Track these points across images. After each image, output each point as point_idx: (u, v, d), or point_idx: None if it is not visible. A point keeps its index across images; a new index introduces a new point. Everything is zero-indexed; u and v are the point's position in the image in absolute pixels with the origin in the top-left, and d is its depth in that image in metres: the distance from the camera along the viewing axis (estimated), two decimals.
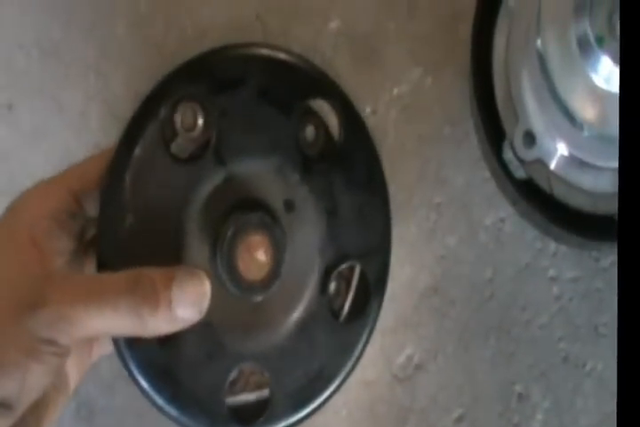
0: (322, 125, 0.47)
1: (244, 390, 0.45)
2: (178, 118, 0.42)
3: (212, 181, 0.43)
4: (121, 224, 0.40)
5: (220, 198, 0.43)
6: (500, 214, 0.54)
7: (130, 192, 0.41)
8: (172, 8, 0.54)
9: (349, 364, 0.48)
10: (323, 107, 0.46)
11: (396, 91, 0.54)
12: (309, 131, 0.46)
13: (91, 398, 0.53)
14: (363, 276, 0.48)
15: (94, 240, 0.41)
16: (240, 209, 0.43)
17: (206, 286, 0.39)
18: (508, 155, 0.48)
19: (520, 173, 0.48)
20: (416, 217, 0.54)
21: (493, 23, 0.48)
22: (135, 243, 0.41)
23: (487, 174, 0.53)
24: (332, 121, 0.47)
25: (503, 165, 0.49)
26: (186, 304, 0.38)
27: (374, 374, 0.54)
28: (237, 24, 0.54)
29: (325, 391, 0.47)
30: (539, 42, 0.41)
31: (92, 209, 0.41)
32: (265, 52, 0.45)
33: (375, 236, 0.48)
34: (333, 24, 0.54)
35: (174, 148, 0.42)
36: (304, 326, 0.46)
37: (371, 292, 0.48)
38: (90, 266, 0.41)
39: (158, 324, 0.37)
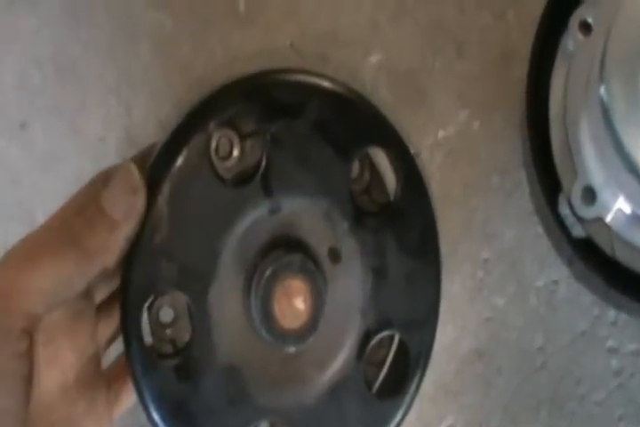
0: (377, 177, 0.45)
1: None
2: (227, 135, 0.41)
3: (255, 211, 0.42)
4: (152, 236, 0.39)
5: (261, 231, 0.42)
6: (554, 276, 0.52)
7: (166, 204, 0.39)
8: (201, 31, 0.53)
9: None
10: (378, 155, 0.45)
11: (441, 133, 0.52)
12: (364, 180, 0.45)
13: None
14: (403, 348, 0.46)
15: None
16: (282, 248, 0.42)
17: (135, 176, 0.37)
18: (564, 210, 0.46)
19: (578, 230, 0.46)
20: (460, 273, 0.52)
21: (550, 67, 0.46)
22: (163, 258, 0.40)
23: (540, 230, 0.52)
24: (389, 174, 0.45)
25: (559, 221, 0.47)
26: (119, 201, 0.37)
27: None
28: (270, 51, 0.53)
29: None
30: (602, 89, 0.38)
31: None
32: (327, 84, 0.43)
33: (423, 307, 0.46)
34: (374, 57, 0.53)
35: (220, 167, 0.41)
36: (335, 389, 0.44)
37: (410, 367, 0.46)
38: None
39: (100, 242, 0.35)
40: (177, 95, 0.50)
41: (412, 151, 0.48)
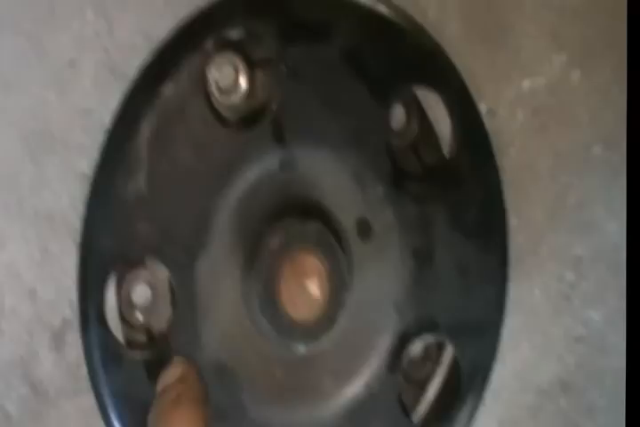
0: (429, 129, 0.41)
1: None
2: (230, 63, 0.36)
3: (263, 163, 0.37)
4: (125, 186, 0.35)
5: (269, 191, 0.38)
6: None
7: (147, 146, 0.35)
8: None
9: None
10: (429, 98, 0.40)
11: (527, 84, 0.45)
12: (411, 133, 0.40)
13: None
14: (455, 363, 0.41)
15: None
16: (295, 214, 0.37)
17: None
18: None
19: None
20: (543, 274, 0.45)
21: None
22: (139, 217, 0.35)
23: None
24: (443, 123, 0.40)
25: None
26: None
27: None
28: None
29: None
30: None
31: None
32: None
33: (480, 308, 0.41)
34: None
35: (218, 103, 0.36)
36: (358, 410, 0.39)
37: (462, 388, 0.41)
38: None
39: None
40: (173, 10, 0.42)
41: (485, 107, 0.43)
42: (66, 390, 0.40)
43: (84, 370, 0.39)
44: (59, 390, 0.40)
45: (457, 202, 0.40)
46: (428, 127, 0.41)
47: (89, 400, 0.39)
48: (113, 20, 0.44)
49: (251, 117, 0.37)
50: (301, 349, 0.37)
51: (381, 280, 0.40)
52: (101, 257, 0.36)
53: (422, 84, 0.39)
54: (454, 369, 0.41)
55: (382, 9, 0.38)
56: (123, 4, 0.44)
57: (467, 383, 0.41)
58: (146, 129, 0.36)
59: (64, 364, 0.40)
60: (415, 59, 0.39)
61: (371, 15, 0.38)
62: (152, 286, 0.37)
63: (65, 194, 0.40)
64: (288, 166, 0.38)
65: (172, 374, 0.37)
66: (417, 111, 0.40)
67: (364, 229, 0.39)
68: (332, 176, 0.38)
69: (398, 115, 0.40)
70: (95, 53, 0.43)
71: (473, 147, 0.41)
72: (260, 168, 0.37)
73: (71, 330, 0.39)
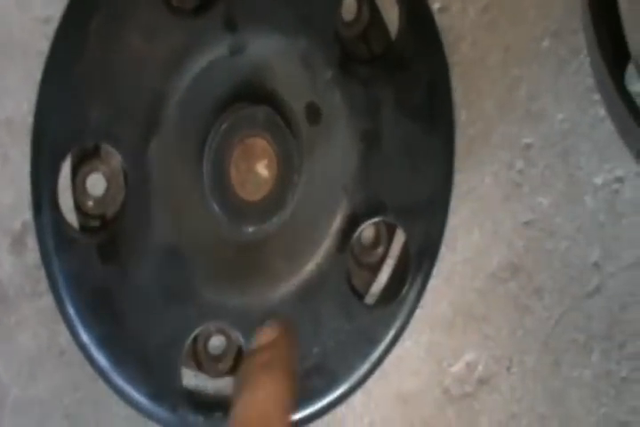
0: (375, 12, 0.41)
1: (205, 369, 0.40)
2: None
3: (213, 49, 0.38)
4: (77, 73, 0.35)
5: (219, 76, 0.38)
6: (618, 171, 0.47)
7: (96, 34, 0.36)
8: None
9: (365, 365, 0.41)
10: None
11: None
12: (357, 15, 0.41)
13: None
14: (405, 244, 0.42)
15: None
16: (244, 98, 0.38)
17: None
18: (634, 85, 0.41)
19: None
20: (494, 163, 0.47)
21: None
22: (90, 97, 0.36)
23: (601, 112, 0.47)
24: (391, 10, 0.41)
25: (626, 100, 0.41)
26: None
27: (416, 387, 0.47)
28: None
29: (326, 396, 0.40)
30: None
31: None
32: None
33: (427, 189, 0.42)
34: None
35: None
36: (309, 290, 0.40)
37: (410, 268, 0.42)
38: None
39: None
40: None
41: (438, 4, 0.43)
42: (25, 291, 0.41)
43: (43, 272, 0.39)
44: (18, 292, 0.41)
45: (403, 85, 0.41)
46: (377, 16, 0.41)
47: (48, 301, 0.39)
48: None
49: (202, 5, 0.37)
50: (251, 230, 0.38)
51: (331, 163, 0.40)
52: (54, 143, 0.36)
53: None
54: (404, 251, 0.42)
55: None
56: None
57: (416, 264, 0.42)
58: (96, 18, 0.36)
59: (23, 266, 0.41)
60: None
61: None
62: (106, 175, 0.38)
63: (25, 101, 0.40)
64: (238, 51, 0.38)
65: (265, 336, 0.37)
66: (367, 1, 0.41)
67: (314, 113, 0.40)
68: (281, 61, 0.39)
69: (349, 4, 0.41)
70: None
71: (419, 32, 0.41)
72: (210, 54, 0.38)
73: (31, 234, 0.39)
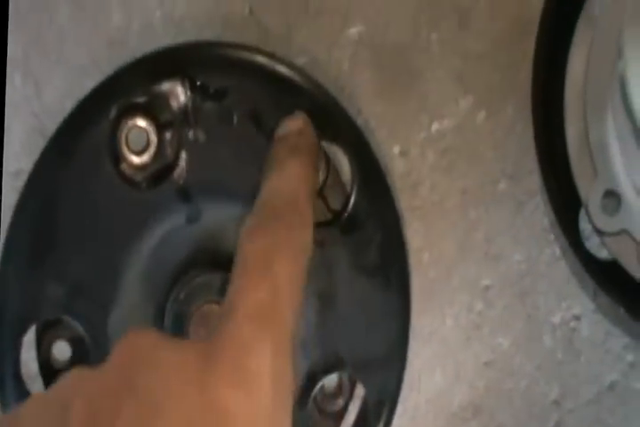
0: (336, 179, 0.42)
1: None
2: (134, 128, 0.38)
3: (170, 219, 0.40)
4: (35, 248, 0.37)
5: (176, 245, 0.40)
6: (575, 309, 0.47)
7: (62, 208, 0.37)
8: None
9: None
10: (337, 153, 0.42)
11: (435, 127, 0.48)
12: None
13: None
14: (364, 396, 0.43)
15: None
16: (201, 265, 0.39)
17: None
18: (585, 225, 0.42)
19: (603, 251, 0.43)
20: (454, 304, 0.48)
21: (568, 37, 0.41)
22: (50, 276, 0.37)
23: (557, 251, 0.47)
24: (344, 172, 0.42)
25: (579, 241, 0.43)
26: None
27: None
28: (224, 19, 0.47)
29: None
30: (621, 63, 0.35)
31: None
32: (261, 60, 0.40)
33: (383, 343, 0.42)
34: (354, 29, 0.48)
35: (126, 167, 0.39)
36: None
37: (369, 418, 0.43)
38: None
39: None
40: (98, 67, 0.44)
41: (398, 149, 0.46)
42: None
43: None
44: None
45: (357, 244, 0.42)
46: (335, 177, 0.42)
47: None
48: (41, 84, 0.45)
49: (157, 177, 0.39)
50: None
51: None
52: (15, 318, 0.37)
53: (323, 139, 0.41)
54: (364, 402, 0.43)
55: (282, 69, 0.40)
56: (48, 73, 0.46)
57: (375, 415, 0.42)
58: (56, 191, 0.37)
59: None
60: (314, 114, 0.40)
61: (270, 75, 0.40)
62: (72, 342, 0.38)
63: None
64: (194, 220, 0.39)
65: (293, 123, 0.39)
66: (324, 163, 0.41)
67: None
68: (236, 227, 0.39)
69: None
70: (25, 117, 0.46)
71: (372, 192, 0.42)
72: (166, 225, 0.39)
73: None
